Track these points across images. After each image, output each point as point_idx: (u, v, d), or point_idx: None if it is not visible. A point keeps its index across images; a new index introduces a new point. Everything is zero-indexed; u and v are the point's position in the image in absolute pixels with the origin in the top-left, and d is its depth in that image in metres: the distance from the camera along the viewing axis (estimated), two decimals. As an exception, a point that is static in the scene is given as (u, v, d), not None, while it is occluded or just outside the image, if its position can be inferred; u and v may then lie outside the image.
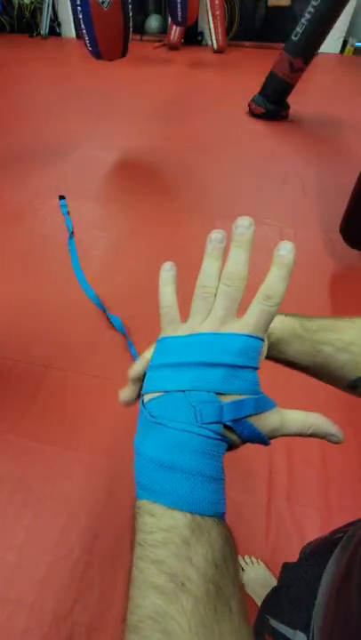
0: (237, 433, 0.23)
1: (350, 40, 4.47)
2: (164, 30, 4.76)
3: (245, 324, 0.24)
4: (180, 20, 3.37)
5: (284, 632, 0.37)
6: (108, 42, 1.96)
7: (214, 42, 4.45)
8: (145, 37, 4.84)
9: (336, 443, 0.26)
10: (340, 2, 2.17)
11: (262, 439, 0.24)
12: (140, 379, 0.29)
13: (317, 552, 0.45)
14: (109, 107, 3.00)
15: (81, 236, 1.65)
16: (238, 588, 0.20)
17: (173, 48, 4.56)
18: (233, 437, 0.23)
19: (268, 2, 4.40)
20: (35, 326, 1.28)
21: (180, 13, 3.31)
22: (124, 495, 0.90)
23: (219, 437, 0.23)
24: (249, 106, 2.83)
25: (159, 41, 4.70)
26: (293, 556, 0.81)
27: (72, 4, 1.86)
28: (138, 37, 4.72)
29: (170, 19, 3.71)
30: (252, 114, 2.82)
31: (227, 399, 0.23)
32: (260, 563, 0.82)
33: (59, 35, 5.05)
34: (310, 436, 0.25)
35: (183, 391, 0.23)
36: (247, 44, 4.76)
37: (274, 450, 0.98)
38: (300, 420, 0.25)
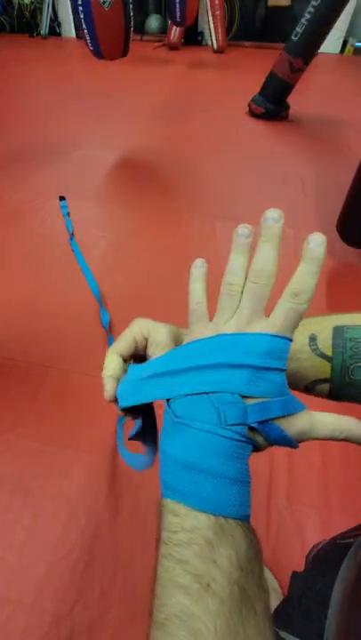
0: (263, 435, 0.23)
1: (350, 40, 4.47)
2: (164, 30, 4.76)
3: (272, 324, 0.23)
4: (178, 20, 3.37)
5: None
6: (109, 41, 1.96)
7: (214, 42, 4.44)
8: (145, 37, 4.84)
9: None
10: (340, 2, 2.17)
11: (290, 442, 0.23)
12: (125, 359, 0.32)
13: (327, 559, 0.44)
14: (109, 107, 3.00)
15: (81, 236, 1.65)
16: (263, 590, 0.20)
17: (173, 48, 4.56)
18: (259, 439, 0.23)
19: (268, 2, 4.40)
20: (35, 326, 1.28)
21: (178, 13, 3.31)
22: (124, 495, 0.90)
23: (243, 439, 0.22)
24: (249, 106, 2.83)
25: (159, 41, 4.70)
26: (294, 557, 0.81)
27: (73, 4, 1.85)
28: (138, 37, 4.72)
29: (170, 19, 3.71)
30: (252, 114, 2.82)
31: (252, 401, 0.22)
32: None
33: (59, 35, 5.05)
34: (343, 440, 0.24)
35: (207, 393, 0.23)
36: (247, 43, 4.76)
37: (274, 450, 0.98)
38: (332, 423, 0.24)
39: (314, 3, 2.18)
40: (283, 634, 0.38)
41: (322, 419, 0.24)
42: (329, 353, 0.29)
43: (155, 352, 0.30)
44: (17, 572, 0.79)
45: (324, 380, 0.30)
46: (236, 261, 0.25)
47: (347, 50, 4.52)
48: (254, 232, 0.26)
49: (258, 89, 2.75)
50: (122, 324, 1.33)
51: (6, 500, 0.89)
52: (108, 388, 0.30)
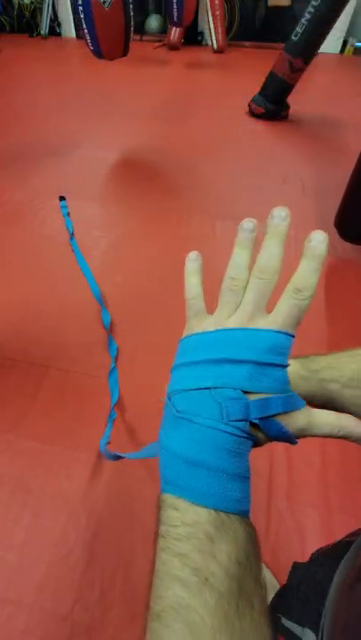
0: (264, 431, 0.23)
1: (350, 40, 4.47)
2: (164, 30, 4.75)
3: (274, 320, 0.23)
4: (176, 20, 3.36)
5: (293, 630, 0.37)
6: (109, 41, 1.97)
7: (214, 42, 4.44)
8: (145, 37, 4.83)
9: None
10: (340, 2, 2.17)
11: (290, 438, 0.23)
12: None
13: (329, 554, 0.44)
14: (109, 107, 3.00)
15: (81, 236, 1.65)
16: (260, 586, 0.21)
17: (173, 48, 4.56)
18: (259, 435, 0.23)
19: (268, 2, 4.40)
20: (35, 326, 1.28)
21: (176, 13, 3.30)
22: (124, 495, 0.90)
23: (244, 435, 0.22)
24: (249, 106, 2.83)
25: (159, 41, 4.70)
26: (294, 556, 0.81)
27: (73, 4, 1.86)
28: (138, 37, 4.72)
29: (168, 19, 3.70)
30: (252, 114, 2.82)
31: (254, 397, 0.22)
32: (261, 563, 0.81)
33: (59, 35, 5.05)
34: (341, 437, 0.25)
35: (209, 389, 0.23)
36: (247, 43, 4.76)
37: (274, 449, 0.98)
38: (331, 421, 0.24)
39: (314, 3, 2.18)
40: (283, 620, 0.39)
41: (321, 416, 0.24)
42: None
43: None
44: (17, 571, 0.79)
45: None
46: (239, 256, 0.25)
47: (347, 50, 4.52)
48: (259, 227, 0.26)
49: (258, 89, 2.75)
50: (122, 324, 1.33)
51: (6, 499, 0.89)
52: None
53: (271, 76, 2.61)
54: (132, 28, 1.98)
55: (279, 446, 0.99)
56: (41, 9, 4.76)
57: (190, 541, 0.20)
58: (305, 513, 0.88)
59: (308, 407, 0.24)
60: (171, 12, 3.30)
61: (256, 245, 0.27)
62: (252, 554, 0.21)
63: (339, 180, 2.01)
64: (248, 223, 0.26)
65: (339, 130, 2.68)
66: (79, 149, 2.37)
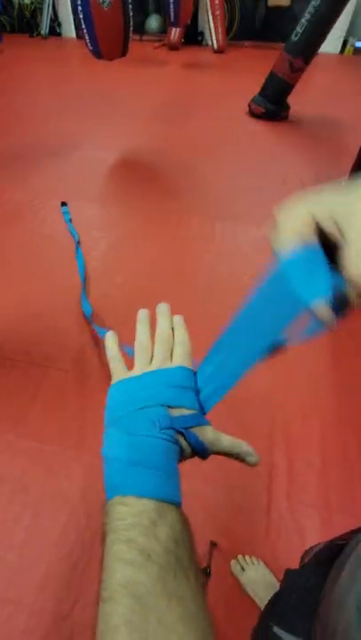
0: (187, 440, 0.29)
1: (350, 40, 4.47)
2: (164, 30, 4.76)
3: (177, 363, 0.33)
4: (172, 20, 3.35)
5: (284, 638, 0.37)
6: (108, 41, 1.97)
7: (214, 42, 4.45)
8: (145, 37, 4.84)
9: (253, 464, 0.31)
10: (340, 2, 2.17)
11: (204, 448, 0.29)
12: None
13: (319, 560, 0.45)
14: (109, 107, 3.00)
15: (81, 236, 1.65)
16: (195, 563, 0.25)
17: (173, 48, 4.56)
18: (183, 443, 0.29)
19: (268, 2, 4.41)
20: (35, 326, 1.28)
21: (172, 13, 3.29)
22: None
23: (173, 441, 0.28)
24: (249, 106, 2.83)
25: (159, 41, 4.70)
26: (294, 556, 0.81)
27: (72, 4, 1.86)
28: (138, 37, 4.72)
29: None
30: (252, 114, 2.82)
31: (175, 412, 0.29)
32: (261, 563, 0.82)
33: (59, 35, 5.05)
34: (235, 455, 0.31)
35: (143, 408, 0.29)
36: (247, 43, 4.76)
37: (274, 450, 0.99)
38: (230, 439, 0.31)
39: (314, 3, 2.18)
40: (275, 628, 0.39)
41: (223, 436, 0.31)
42: None
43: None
44: (17, 571, 0.79)
45: None
46: (141, 328, 0.37)
47: (347, 50, 4.53)
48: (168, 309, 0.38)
49: (258, 89, 2.75)
50: (122, 324, 1.33)
51: (6, 500, 0.89)
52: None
53: (271, 76, 2.61)
54: (130, 29, 1.98)
55: (279, 447, 0.99)
56: (41, 9, 4.76)
57: (136, 528, 0.24)
58: (305, 513, 0.88)
59: (213, 428, 0.30)
60: (168, 13, 3.29)
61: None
62: (186, 537, 0.25)
63: (339, 180, 2.02)
64: (142, 312, 0.38)
65: (339, 130, 2.68)
66: (79, 150, 2.37)
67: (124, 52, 2.09)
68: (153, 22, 4.90)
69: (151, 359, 0.34)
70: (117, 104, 3.06)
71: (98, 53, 2.02)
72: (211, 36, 4.46)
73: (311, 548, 0.52)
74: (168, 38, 4.53)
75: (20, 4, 4.77)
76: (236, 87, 3.33)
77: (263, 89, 2.71)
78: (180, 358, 0.33)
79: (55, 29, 4.99)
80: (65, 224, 1.71)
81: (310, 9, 2.21)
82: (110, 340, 0.39)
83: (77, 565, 0.80)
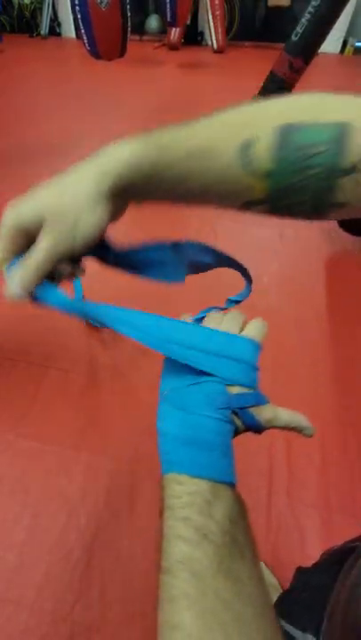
0: (241, 419, 0.28)
1: (350, 40, 4.47)
2: (164, 30, 4.76)
3: (248, 334, 0.31)
4: (169, 20, 3.33)
5: (293, 634, 0.37)
6: (106, 42, 1.97)
7: (214, 42, 4.45)
8: (145, 37, 4.84)
9: (308, 436, 0.32)
10: (340, 2, 2.17)
11: (260, 427, 0.29)
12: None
13: (331, 559, 0.45)
14: (109, 107, 3.00)
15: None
16: (250, 541, 0.25)
17: (173, 48, 4.56)
18: (238, 423, 0.28)
19: (268, 2, 4.41)
20: (35, 326, 1.28)
21: (169, 13, 3.27)
22: (124, 495, 0.90)
23: (228, 421, 0.27)
24: (249, 106, 2.83)
25: (159, 41, 4.70)
26: (293, 556, 0.82)
27: (71, 4, 1.86)
28: (138, 37, 4.72)
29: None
30: (252, 114, 2.82)
31: (234, 390, 0.28)
32: (260, 563, 0.82)
33: (59, 35, 5.05)
34: (292, 429, 0.31)
35: (200, 383, 0.28)
36: (247, 43, 4.76)
37: (274, 449, 0.99)
38: (288, 414, 0.30)
39: (314, 3, 2.18)
40: (282, 622, 0.39)
41: (281, 411, 0.30)
42: (267, 166, 0.23)
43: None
44: (17, 572, 0.79)
45: (260, 202, 0.25)
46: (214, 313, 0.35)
47: (347, 50, 4.53)
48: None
49: (258, 89, 2.75)
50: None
51: (6, 500, 0.89)
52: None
53: (271, 76, 2.61)
54: (129, 29, 1.98)
55: (279, 446, 0.99)
56: (41, 9, 4.76)
57: (192, 507, 0.24)
58: (305, 512, 0.88)
59: (271, 404, 0.30)
60: (164, 12, 3.27)
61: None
62: (241, 515, 0.25)
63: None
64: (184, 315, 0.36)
65: (339, 130, 2.68)
66: (79, 149, 2.37)
67: (122, 53, 2.10)
68: (153, 22, 4.90)
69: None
70: (117, 104, 3.06)
71: (96, 54, 2.02)
72: (211, 36, 4.46)
73: (330, 549, 0.52)
74: (168, 38, 4.53)
75: (19, 3, 4.77)
76: (236, 87, 3.32)
77: (263, 89, 2.71)
78: (252, 332, 0.31)
79: (55, 29, 5.00)
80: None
81: (310, 9, 2.20)
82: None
83: (77, 565, 0.80)
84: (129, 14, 1.92)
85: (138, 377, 1.13)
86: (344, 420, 1.05)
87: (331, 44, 4.24)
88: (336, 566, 0.37)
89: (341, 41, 4.48)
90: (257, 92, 2.76)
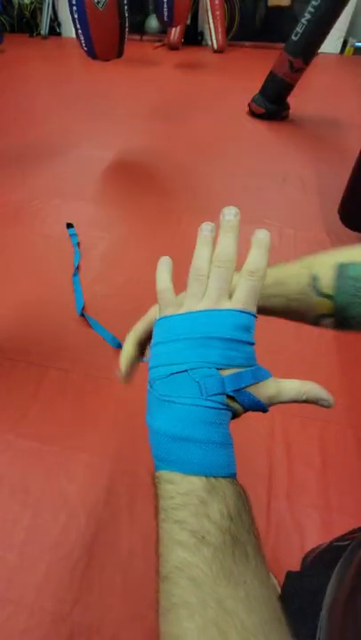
0: (239, 402, 0.26)
1: (350, 40, 4.48)
2: (164, 30, 4.75)
3: (236, 301, 0.26)
4: (166, 19, 3.30)
5: None
6: (103, 42, 1.95)
7: (214, 42, 4.45)
8: (145, 37, 4.84)
9: (327, 407, 0.27)
10: (340, 2, 2.17)
11: (261, 407, 0.26)
12: (142, 342, 0.32)
13: (321, 561, 0.44)
14: (109, 107, 3.00)
15: (81, 236, 1.65)
16: (253, 535, 0.23)
17: (173, 48, 4.56)
18: (235, 406, 0.26)
19: (269, 2, 4.41)
20: (35, 326, 1.28)
21: (166, 13, 3.23)
22: (124, 495, 0.90)
23: (223, 407, 0.25)
24: (249, 106, 2.83)
25: (159, 41, 4.70)
26: (293, 556, 0.81)
27: (68, 4, 1.84)
28: (138, 37, 4.72)
29: (157, 19, 3.61)
30: (252, 114, 2.82)
31: (226, 372, 0.25)
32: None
33: (59, 35, 5.05)
34: (305, 401, 0.27)
35: (186, 370, 0.25)
36: (247, 43, 4.76)
37: (274, 449, 0.98)
38: (296, 387, 0.27)
39: (314, 3, 2.18)
40: None
41: (287, 384, 0.27)
42: (331, 292, 0.32)
43: None
44: (17, 571, 0.79)
45: (329, 316, 0.33)
46: (201, 251, 0.29)
47: (347, 50, 4.53)
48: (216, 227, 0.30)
49: (258, 89, 2.75)
50: (121, 326, 1.33)
51: (6, 500, 0.89)
52: (123, 369, 0.33)
53: (271, 76, 2.61)
54: (126, 29, 1.96)
55: (279, 447, 0.99)
56: (41, 9, 4.76)
57: (186, 508, 0.22)
58: (305, 513, 0.88)
59: (274, 377, 0.27)
60: (161, 12, 3.23)
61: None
62: (242, 509, 0.23)
63: (339, 180, 2.01)
64: (206, 226, 0.30)
65: (339, 130, 2.68)
66: (79, 149, 2.37)
67: (119, 53, 2.08)
68: (153, 22, 4.89)
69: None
70: (117, 104, 3.06)
71: (93, 54, 2.01)
72: (211, 36, 4.46)
73: (313, 550, 0.52)
74: (168, 38, 4.53)
75: (19, 3, 4.77)
76: (236, 87, 3.33)
77: (263, 89, 2.71)
78: (243, 297, 0.26)
79: (55, 29, 5.00)
80: (64, 223, 1.71)
81: (310, 9, 2.21)
82: (162, 268, 0.31)
83: (77, 565, 0.80)
84: (127, 15, 1.90)
85: (138, 377, 1.13)
86: (344, 420, 1.05)
87: (331, 43, 4.24)
88: (325, 569, 0.37)
89: (341, 41, 4.48)
90: (257, 91, 2.76)
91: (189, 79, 3.68)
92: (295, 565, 0.55)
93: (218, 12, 4.26)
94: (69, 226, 1.69)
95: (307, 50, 2.38)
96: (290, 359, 1.17)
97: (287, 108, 2.78)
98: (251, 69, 3.67)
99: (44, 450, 0.97)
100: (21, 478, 0.92)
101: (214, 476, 0.23)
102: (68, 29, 4.99)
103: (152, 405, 0.26)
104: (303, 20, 2.27)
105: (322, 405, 0.27)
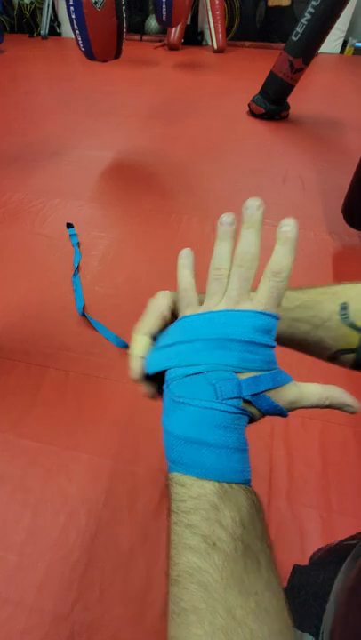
0: (256, 406, 0.25)
1: (350, 40, 4.47)
2: (164, 30, 4.75)
3: (258, 303, 0.25)
4: (164, 20, 3.29)
5: None
6: (101, 43, 1.94)
7: (214, 42, 4.44)
8: (145, 37, 4.83)
9: (352, 413, 0.26)
10: (339, 2, 2.17)
11: (281, 411, 0.25)
12: (154, 336, 0.30)
13: (329, 558, 0.44)
14: (109, 107, 3.00)
15: (81, 236, 1.65)
16: (266, 544, 0.22)
17: (173, 48, 4.56)
18: (253, 410, 0.25)
19: (269, 1, 4.41)
20: (35, 326, 1.28)
21: (164, 13, 3.22)
22: (124, 495, 0.90)
23: (239, 411, 0.24)
24: (249, 106, 2.83)
25: (159, 41, 4.70)
26: (294, 557, 0.81)
27: (65, 4, 1.83)
28: (138, 37, 4.72)
29: (156, 19, 3.59)
30: (252, 114, 2.82)
31: (244, 375, 0.24)
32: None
33: (59, 35, 5.05)
34: (328, 407, 0.26)
35: (202, 372, 0.25)
36: (247, 43, 4.76)
37: (274, 450, 0.98)
38: (318, 392, 0.26)
39: (314, 3, 2.18)
40: None
41: (309, 389, 0.26)
42: (360, 324, 0.29)
43: None
44: (17, 571, 0.79)
45: (350, 351, 0.30)
46: (221, 247, 0.27)
47: (347, 50, 4.52)
48: (237, 220, 0.27)
49: (258, 89, 2.75)
50: (122, 326, 1.33)
51: (6, 499, 0.89)
52: (135, 366, 0.29)
53: (271, 76, 2.61)
54: (124, 30, 1.95)
55: (279, 447, 0.99)
56: (41, 9, 4.76)
57: (198, 512, 0.22)
58: (305, 513, 0.88)
59: (295, 382, 0.26)
60: (160, 12, 3.22)
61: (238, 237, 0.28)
62: (255, 517, 0.23)
63: (339, 180, 2.02)
64: (227, 217, 0.27)
65: (339, 130, 2.68)
66: (79, 149, 2.37)
67: (117, 54, 2.06)
68: (153, 22, 4.89)
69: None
70: (117, 103, 3.06)
71: (90, 55, 2.00)
72: (211, 36, 4.46)
73: (320, 549, 0.52)
74: (168, 38, 4.53)
75: (19, 4, 4.77)
76: (236, 87, 3.32)
77: (263, 89, 2.71)
78: (265, 297, 0.25)
79: (55, 29, 4.99)
80: (63, 223, 1.71)
81: (310, 9, 2.20)
82: (183, 265, 0.30)
83: (77, 565, 0.80)
84: (125, 15, 1.89)
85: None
86: (344, 420, 1.05)
87: (331, 43, 4.24)
88: (334, 564, 0.37)
89: (341, 41, 4.47)
90: (257, 92, 2.76)
91: (189, 79, 3.68)
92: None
93: (218, 12, 4.26)
94: (69, 226, 1.69)
95: (307, 50, 2.38)
96: (290, 359, 1.17)
97: (287, 108, 2.78)
98: (251, 69, 3.67)
99: (44, 450, 0.97)
100: (21, 478, 0.92)
101: (227, 482, 0.23)
102: (68, 29, 4.98)
103: (167, 406, 0.26)
104: (303, 20, 2.26)
105: (347, 411, 0.26)
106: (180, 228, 1.71)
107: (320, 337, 0.31)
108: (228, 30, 4.59)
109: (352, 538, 0.43)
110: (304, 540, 0.84)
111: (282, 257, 0.25)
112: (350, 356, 0.31)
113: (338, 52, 4.55)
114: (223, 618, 0.19)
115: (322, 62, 4.00)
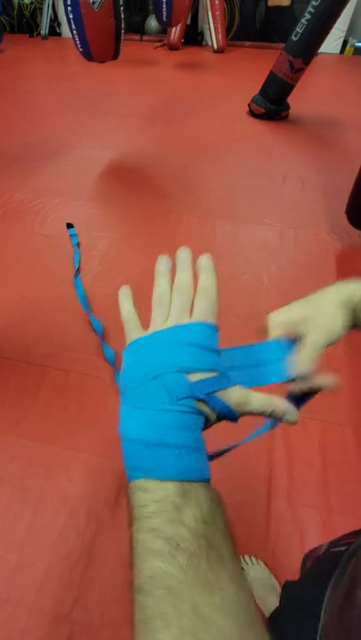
0: (210, 407, 0.26)
1: (350, 40, 4.47)
2: (164, 30, 4.75)
3: (196, 317, 0.29)
4: (164, 20, 3.28)
5: None
6: (99, 43, 1.93)
7: (214, 42, 4.44)
8: (145, 37, 4.83)
9: (291, 423, 0.29)
10: (340, 2, 2.17)
11: (231, 412, 0.27)
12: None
13: (318, 569, 0.44)
14: (109, 107, 3.00)
15: (81, 237, 1.65)
16: (228, 539, 0.23)
17: (173, 48, 4.56)
18: (206, 410, 0.26)
19: (269, 1, 4.41)
20: (35, 326, 1.28)
21: (164, 13, 3.21)
22: (123, 495, 0.89)
23: (193, 411, 0.25)
24: (249, 106, 2.83)
25: (159, 41, 4.70)
26: (294, 557, 0.81)
27: (63, 4, 1.82)
28: (138, 37, 4.72)
29: (156, 18, 3.58)
30: (252, 114, 2.82)
31: (194, 377, 0.26)
32: (261, 563, 0.82)
33: (59, 35, 5.05)
34: (270, 414, 0.28)
35: (155, 377, 0.26)
36: (247, 43, 4.76)
37: (274, 450, 0.98)
38: (263, 398, 0.28)
39: (314, 3, 2.18)
40: None
41: (255, 395, 0.28)
42: None
43: None
44: (17, 571, 0.79)
45: None
46: (160, 281, 0.32)
47: (347, 50, 4.52)
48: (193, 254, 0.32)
49: (258, 89, 2.75)
50: (122, 326, 1.32)
51: (6, 499, 0.89)
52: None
53: (271, 76, 2.61)
54: (122, 30, 1.94)
55: (279, 447, 0.99)
56: (41, 9, 4.76)
57: (161, 515, 0.22)
58: (305, 513, 0.88)
59: (244, 387, 0.28)
60: (160, 12, 3.21)
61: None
62: (217, 512, 0.23)
63: (339, 180, 2.02)
64: (162, 259, 0.33)
65: (339, 130, 2.68)
66: (79, 149, 2.37)
67: (115, 55, 2.05)
68: (153, 22, 4.89)
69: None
70: (117, 103, 3.06)
71: (88, 55, 1.99)
72: (211, 36, 4.46)
73: (312, 552, 0.52)
74: (168, 38, 4.53)
75: (19, 4, 4.77)
76: (236, 87, 3.33)
77: (263, 89, 2.71)
78: (201, 312, 0.29)
79: (55, 29, 4.99)
80: (63, 223, 1.71)
81: (310, 9, 2.20)
82: (124, 297, 0.34)
83: (77, 565, 0.80)
84: (123, 15, 1.88)
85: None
86: (344, 420, 1.05)
87: (331, 43, 4.24)
88: (322, 578, 0.37)
89: (341, 41, 4.47)
90: (257, 92, 2.76)
91: (189, 79, 3.68)
92: (295, 565, 0.55)
93: (218, 12, 4.26)
94: (69, 226, 1.69)
95: (307, 50, 2.38)
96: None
97: (287, 108, 2.78)
98: (251, 69, 3.67)
99: (44, 450, 0.97)
100: (21, 478, 0.92)
101: (188, 481, 0.23)
102: (68, 29, 4.99)
103: (124, 414, 0.27)
104: (303, 20, 2.26)
105: (287, 421, 0.29)
106: (180, 228, 1.71)
107: None
108: (228, 30, 4.59)
109: (340, 543, 0.43)
110: (304, 539, 0.84)
111: (206, 279, 0.30)
112: None
113: (338, 51, 4.55)
114: (190, 618, 0.19)
115: (322, 62, 4.01)
